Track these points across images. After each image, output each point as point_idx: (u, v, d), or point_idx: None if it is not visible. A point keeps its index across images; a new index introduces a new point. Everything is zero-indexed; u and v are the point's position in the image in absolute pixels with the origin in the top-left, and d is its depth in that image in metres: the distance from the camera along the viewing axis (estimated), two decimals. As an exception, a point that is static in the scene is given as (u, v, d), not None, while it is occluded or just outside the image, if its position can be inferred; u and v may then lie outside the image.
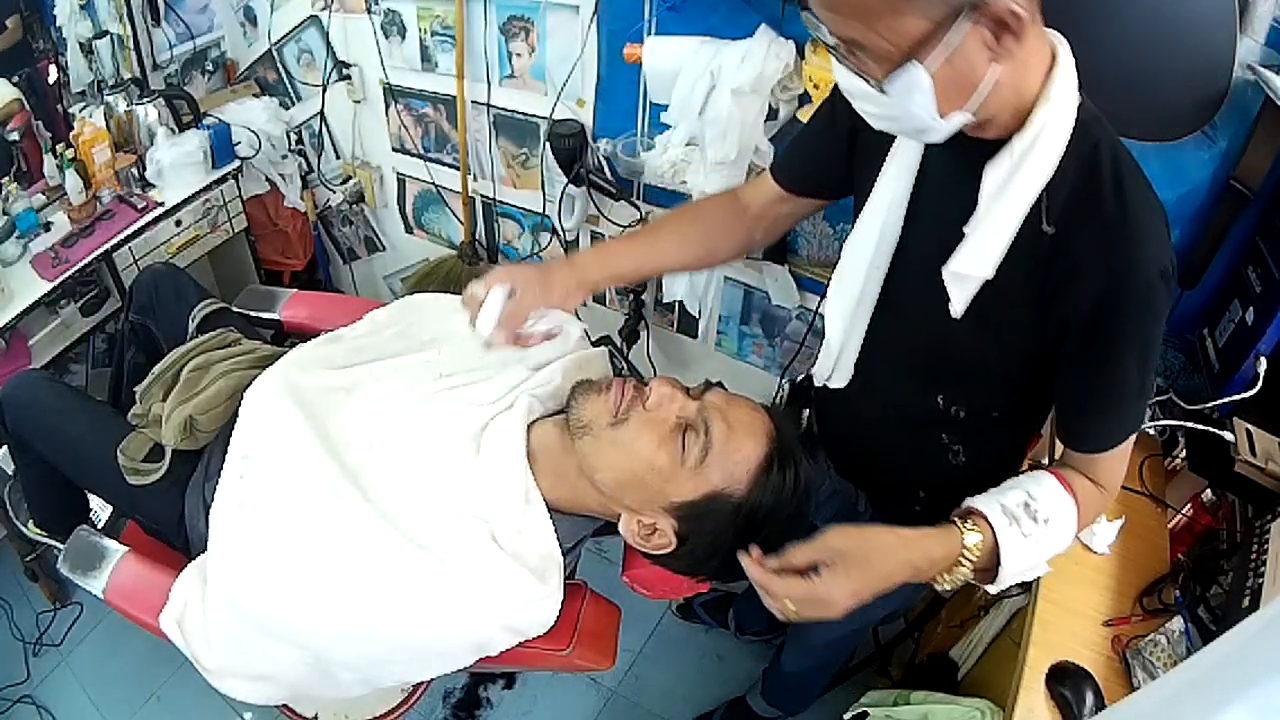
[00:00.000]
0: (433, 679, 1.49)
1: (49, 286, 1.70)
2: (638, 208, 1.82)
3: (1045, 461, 1.31)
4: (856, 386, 1.07)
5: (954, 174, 0.85)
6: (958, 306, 0.86)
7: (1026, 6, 0.68)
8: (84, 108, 1.94)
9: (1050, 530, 0.85)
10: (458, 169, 2.03)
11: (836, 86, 0.83)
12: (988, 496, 0.87)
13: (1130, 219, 0.78)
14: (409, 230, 2.34)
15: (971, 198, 0.82)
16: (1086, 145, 0.79)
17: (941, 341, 0.93)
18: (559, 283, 1.02)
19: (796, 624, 1.57)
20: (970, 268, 0.83)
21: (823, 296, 1.70)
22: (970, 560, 0.84)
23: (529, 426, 1.08)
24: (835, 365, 1.06)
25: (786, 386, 1.31)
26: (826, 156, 1.02)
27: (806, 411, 1.29)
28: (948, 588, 0.86)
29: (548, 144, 1.80)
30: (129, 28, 1.94)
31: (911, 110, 0.73)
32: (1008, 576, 0.85)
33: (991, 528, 0.84)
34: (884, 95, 0.73)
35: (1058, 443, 1.07)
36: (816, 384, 1.13)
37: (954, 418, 1.00)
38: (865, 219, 0.96)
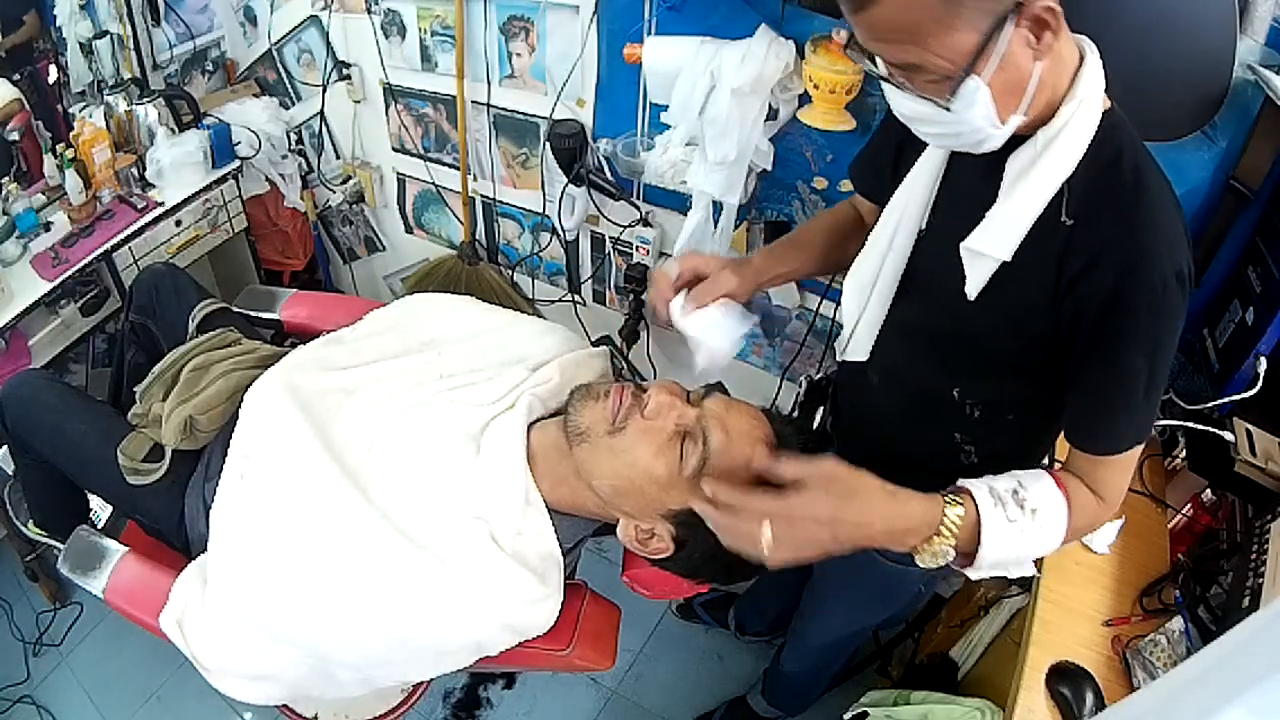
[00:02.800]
0: (433, 679, 1.50)
1: (49, 286, 1.69)
2: (638, 208, 1.82)
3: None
4: (876, 374, 1.08)
5: (983, 164, 0.86)
6: (973, 287, 0.88)
7: (1057, 2, 0.72)
8: (84, 108, 1.94)
9: (1037, 523, 0.85)
10: (458, 169, 2.03)
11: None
12: (979, 479, 0.87)
13: (1148, 217, 0.79)
14: (409, 230, 2.34)
15: (997, 187, 0.85)
16: (1110, 145, 0.81)
17: (957, 325, 0.94)
18: (740, 276, 1.06)
19: (796, 625, 1.58)
20: (987, 246, 0.85)
21: (823, 297, 1.71)
22: (950, 532, 0.83)
23: (529, 427, 1.08)
24: (850, 338, 1.08)
25: (804, 384, 1.32)
26: (884, 164, 1.04)
27: (821, 409, 1.29)
28: (929, 562, 0.85)
29: (548, 144, 1.80)
30: (129, 28, 1.94)
31: (974, 123, 0.77)
32: (986, 561, 0.84)
33: (976, 506, 0.84)
34: (949, 113, 0.76)
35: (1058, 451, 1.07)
36: (838, 358, 1.14)
37: (969, 415, 1.00)
38: (892, 203, 0.99)
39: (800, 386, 1.33)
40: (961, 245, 0.87)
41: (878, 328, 1.04)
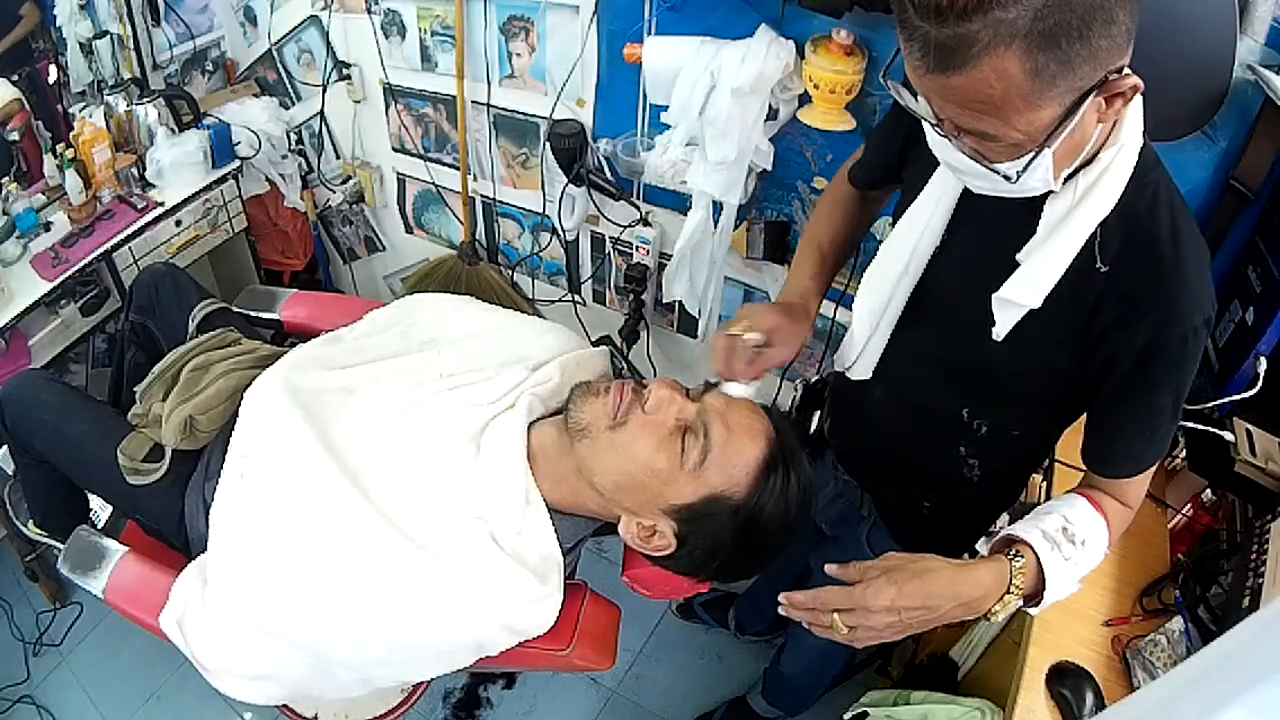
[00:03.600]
0: (433, 679, 1.49)
1: (49, 286, 1.69)
2: (638, 208, 1.82)
3: (1040, 480, 1.32)
4: (881, 387, 1.07)
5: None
6: (1001, 331, 0.87)
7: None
8: (84, 108, 1.94)
9: (1087, 551, 0.87)
10: (458, 169, 2.03)
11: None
12: (1025, 524, 0.88)
13: (1184, 268, 0.80)
14: (409, 230, 2.34)
15: (1023, 220, 0.83)
16: (1147, 189, 0.80)
17: (977, 356, 0.93)
18: (801, 339, 1.03)
19: (795, 625, 1.58)
20: (1021, 296, 0.84)
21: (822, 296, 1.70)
22: (1019, 587, 0.84)
23: (529, 427, 1.08)
24: (859, 357, 1.06)
25: (800, 387, 1.32)
26: (891, 160, 1.02)
27: (817, 413, 1.29)
28: (1001, 617, 0.87)
29: (548, 144, 1.80)
30: (129, 28, 1.94)
31: (1031, 185, 0.75)
32: (1050, 599, 0.86)
33: (1035, 554, 0.85)
34: (1008, 181, 0.74)
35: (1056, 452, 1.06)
36: (838, 369, 1.13)
37: (975, 431, 1.00)
38: (908, 220, 0.96)
39: (796, 390, 1.32)
40: (994, 296, 0.86)
41: (882, 347, 1.03)
